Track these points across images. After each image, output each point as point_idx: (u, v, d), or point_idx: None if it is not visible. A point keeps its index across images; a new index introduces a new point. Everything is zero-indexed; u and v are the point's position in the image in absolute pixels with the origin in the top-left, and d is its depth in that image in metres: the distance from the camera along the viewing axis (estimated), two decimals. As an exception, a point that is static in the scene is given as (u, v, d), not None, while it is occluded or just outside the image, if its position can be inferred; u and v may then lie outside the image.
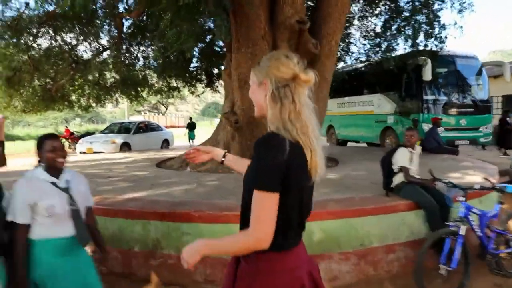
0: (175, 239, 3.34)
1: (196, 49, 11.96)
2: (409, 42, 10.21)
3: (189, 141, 17.30)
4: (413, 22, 9.79)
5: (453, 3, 9.88)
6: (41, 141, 2.05)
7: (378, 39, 10.60)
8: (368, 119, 12.18)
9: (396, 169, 3.81)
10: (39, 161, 2.06)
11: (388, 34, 10.45)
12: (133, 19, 12.41)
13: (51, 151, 1.99)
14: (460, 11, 9.99)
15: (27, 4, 10.86)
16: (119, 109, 60.92)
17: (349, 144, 13.97)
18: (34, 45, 11.76)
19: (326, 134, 14.77)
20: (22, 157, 14.27)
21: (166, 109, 58.87)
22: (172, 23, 8.00)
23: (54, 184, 2.01)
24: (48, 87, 13.36)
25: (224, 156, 1.70)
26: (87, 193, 2.24)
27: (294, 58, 1.26)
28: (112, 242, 3.47)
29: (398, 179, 3.77)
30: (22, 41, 10.95)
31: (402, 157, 3.75)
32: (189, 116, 26.40)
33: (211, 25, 11.61)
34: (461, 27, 9.85)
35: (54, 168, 2.03)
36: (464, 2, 9.77)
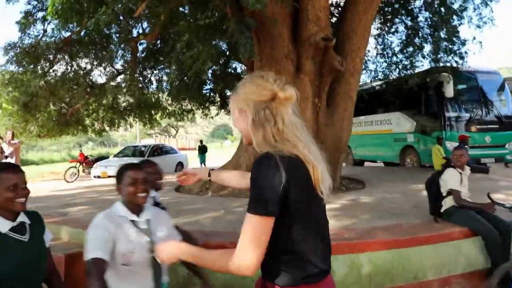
0: (209, 274, 3.05)
1: (210, 70, 11.87)
2: (428, 59, 10.06)
3: (201, 164, 16.71)
4: (432, 38, 9.63)
5: (471, 18, 9.74)
6: (121, 172, 1.83)
7: (395, 57, 10.44)
8: (386, 138, 11.87)
9: (445, 192, 3.50)
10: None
11: (405, 51, 10.30)
12: (148, 42, 12.50)
13: (131, 184, 1.76)
14: (478, 26, 9.82)
15: (45, 31, 10.99)
16: (129, 133, 61.57)
17: (366, 164, 13.61)
18: (50, 71, 11.85)
19: (342, 154, 14.44)
20: (36, 181, 14.16)
21: (177, 131, 59.24)
22: (190, 44, 7.96)
23: (133, 222, 1.75)
24: (63, 111, 13.38)
25: (209, 175, 1.71)
26: (172, 234, 1.89)
27: (270, 78, 1.20)
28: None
29: (448, 203, 3.46)
30: (39, 67, 11.04)
31: (452, 179, 3.44)
32: (199, 138, 26.33)
33: (225, 46, 11.61)
34: (480, 42, 9.66)
35: (134, 204, 1.78)
36: (484, 17, 9.60)
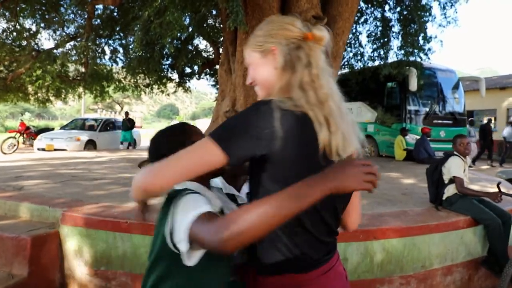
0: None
1: (173, 44, 11.19)
2: (394, 52, 10.25)
3: (128, 146, 13.24)
4: (402, 31, 9.79)
5: (434, 17, 10.03)
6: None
7: (361, 48, 10.51)
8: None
9: (447, 179, 3.44)
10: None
11: (373, 42, 10.41)
12: (104, 7, 11.48)
13: None
14: (440, 25, 10.15)
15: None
16: (69, 106, 57.64)
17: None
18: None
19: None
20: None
21: (122, 108, 56.52)
22: (160, 12, 7.31)
23: (232, 197, 1.41)
24: (2, 75, 11.96)
25: None
26: None
27: (298, 19, 1.05)
28: (122, 264, 2.77)
29: (451, 190, 3.40)
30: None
31: (456, 167, 3.39)
32: (144, 117, 24.47)
33: (188, 20, 10.94)
34: (441, 41, 10.01)
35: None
36: (449, 17, 9.92)
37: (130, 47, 11.01)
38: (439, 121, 10.23)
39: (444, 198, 3.44)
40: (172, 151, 0.90)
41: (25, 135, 12.55)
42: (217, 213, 0.95)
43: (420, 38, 9.52)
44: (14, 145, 11.38)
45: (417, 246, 2.89)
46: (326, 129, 0.91)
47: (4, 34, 11.20)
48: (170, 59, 12.87)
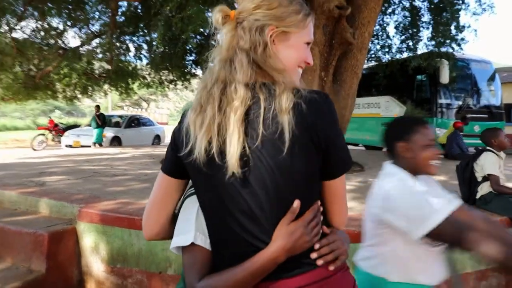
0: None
1: (196, 40, 11.18)
2: (424, 43, 9.83)
3: (95, 143, 11.48)
4: (432, 21, 9.37)
5: (468, 5, 9.53)
6: (411, 127, 1.35)
7: (389, 39, 10.12)
8: (374, 122, 11.68)
9: (480, 177, 3.19)
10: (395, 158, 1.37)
11: (402, 34, 10.03)
12: (129, 4, 11.57)
13: (426, 148, 1.32)
14: (475, 13, 9.64)
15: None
16: (99, 104, 59.23)
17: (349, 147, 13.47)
18: (18, 27, 10.74)
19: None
20: (-1, 149, 13.14)
21: (148, 105, 57.48)
22: (181, 7, 7.27)
23: None
24: (32, 74, 12.29)
25: None
26: None
27: None
28: (137, 262, 2.71)
29: (485, 189, 3.15)
30: (4, 21, 9.94)
31: (490, 164, 3.13)
32: (171, 114, 24.47)
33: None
34: (475, 30, 9.52)
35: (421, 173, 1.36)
36: (484, 3, 9.42)
37: (154, 43, 11.05)
38: (473, 115, 9.73)
39: (478, 197, 3.20)
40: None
41: (53, 132, 12.88)
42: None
43: (452, 27, 9.08)
44: (43, 142, 11.69)
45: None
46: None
47: (33, 33, 11.47)
48: (193, 55, 12.86)
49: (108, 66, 13.35)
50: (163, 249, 2.67)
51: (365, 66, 11.81)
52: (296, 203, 0.82)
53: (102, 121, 11.86)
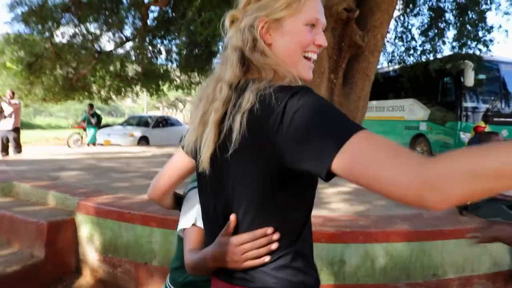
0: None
1: (221, 42, 11.41)
2: (449, 45, 9.53)
3: (88, 143, 11.68)
4: (457, 22, 9.07)
5: (499, 5, 9.15)
6: None
7: (414, 41, 9.89)
8: (397, 125, 11.42)
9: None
10: None
11: (426, 35, 9.76)
12: (160, 8, 12.01)
13: None
14: (506, 13, 9.23)
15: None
16: (138, 105, 61.41)
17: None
18: (58, 33, 11.48)
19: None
20: (38, 145, 14.01)
21: (184, 106, 58.90)
22: (202, 11, 7.51)
23: None
24: (70, 76, 13.07)
25: None
26: None
27: None
28: (126, 252, 2.91)
29: (477, 194, 3.07)
30: (46, 27, 10.66)
31: None
32: None
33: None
34: (506, 31, 9.11)
35: None
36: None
37: (174, 49, 11.45)
38: (501, 119, 9.30)
39: (469, 202, 3.12)
40: None
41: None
42: None
43: (480, 28, 8.75)
44: (78, 140, 12.38)
45: (427, 252, 2.67)
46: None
47: (72, 38, 12.17)
48: (218, 57, 13.14)
49: (139, 69, 13.99)
50: (148, 242, 2.86)
51: (390, 68, 11.61)
52: (233, 217, 0.80)
53: (96, 120, 11.99)
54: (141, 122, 13.85)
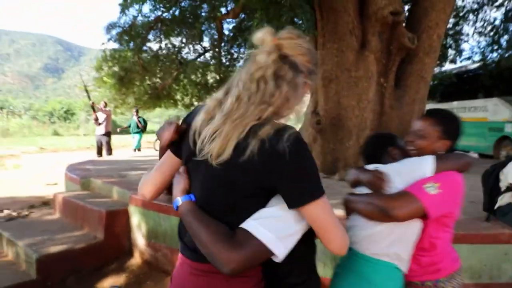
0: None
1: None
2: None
3: (135, 149, 12.38)
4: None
5: None
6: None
7: (497, 35, 9.07)
8: (480, 127, 10.50)
9: (504, 186, 2.99)
10: None
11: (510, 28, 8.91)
12: (234, 21, 12.83)
13: None
14: None
15: (140, 11, 11.96)
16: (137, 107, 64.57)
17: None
18: (144, 47, 12.92)
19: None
20: (129, 148, 15.82)
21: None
22: (261, 22, 7.94)
23: None
24: (156, 86, 14.56)
25: None
26: None
27: None
28: (164, 239, 3.41)
29: (505, 199, 2.95)
30: (134, 44, 12.11)
31: None
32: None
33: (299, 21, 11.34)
34: None
35: None
36: None
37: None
38: None
39: (496, 207, 3.01)
40: None
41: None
42: None
43: None
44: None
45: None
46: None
47: (157, 52, 13.58)
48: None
49: (218, 76, 15.00)
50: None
51: (469, 67, 10.77)
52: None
53: (143, 125, 12.55)
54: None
